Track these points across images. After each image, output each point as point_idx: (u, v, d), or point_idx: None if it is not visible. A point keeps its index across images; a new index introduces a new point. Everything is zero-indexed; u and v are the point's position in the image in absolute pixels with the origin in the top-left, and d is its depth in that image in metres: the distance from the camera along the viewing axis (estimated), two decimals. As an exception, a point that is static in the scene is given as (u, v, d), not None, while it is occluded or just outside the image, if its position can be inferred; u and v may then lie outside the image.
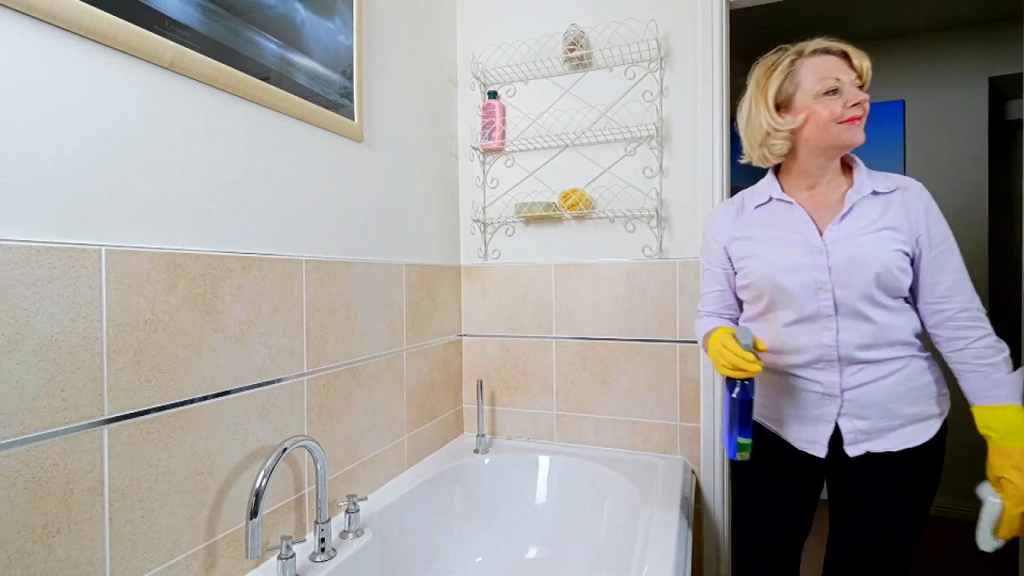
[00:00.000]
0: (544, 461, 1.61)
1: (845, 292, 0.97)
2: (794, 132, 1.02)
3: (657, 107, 1.59)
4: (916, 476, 0.99)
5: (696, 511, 1.55)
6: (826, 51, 1.00)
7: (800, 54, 1.02)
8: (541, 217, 1.71)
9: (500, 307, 1.78)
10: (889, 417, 0.98)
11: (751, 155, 1.11)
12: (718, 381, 1.54)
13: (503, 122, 1.75)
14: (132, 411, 0.79)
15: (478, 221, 1.80)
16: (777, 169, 1.13)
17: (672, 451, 1.60)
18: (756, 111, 1.06)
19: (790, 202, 1.06)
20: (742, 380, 0.94)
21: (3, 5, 0.65)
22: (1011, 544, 2.16)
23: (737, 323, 1.16)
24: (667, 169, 1.59)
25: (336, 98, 1.21)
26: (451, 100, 1.80)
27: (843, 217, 1.00)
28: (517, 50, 1.75)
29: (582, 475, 1.56)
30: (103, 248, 0.75)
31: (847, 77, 0.98)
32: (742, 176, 2.85)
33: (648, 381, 1.62)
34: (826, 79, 0.98)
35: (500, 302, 1.78)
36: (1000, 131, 2.86)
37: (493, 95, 1.74)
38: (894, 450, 0.98)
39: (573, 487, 1.56)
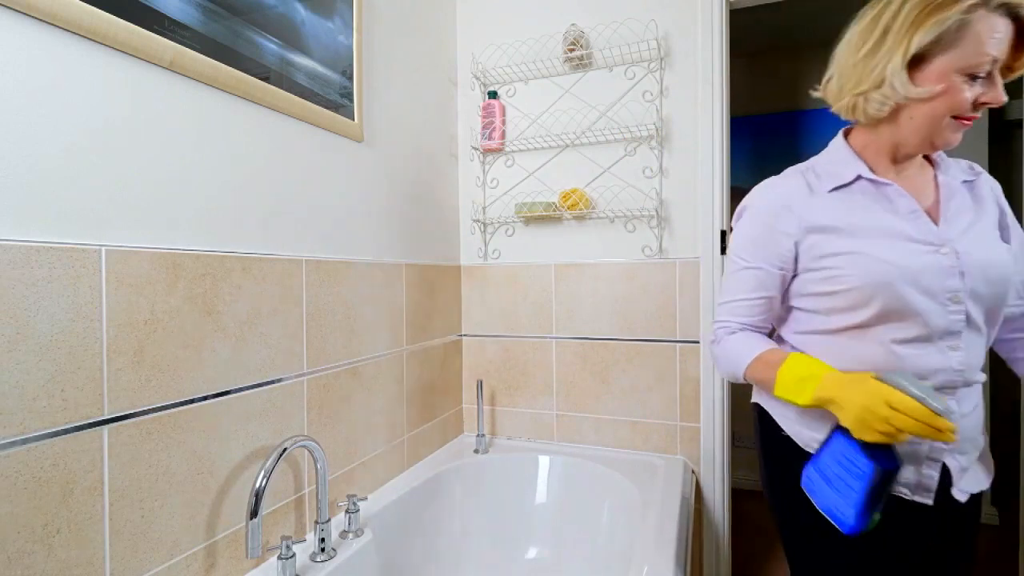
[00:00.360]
0: (544, 461, 1.61)
1: (976, 302, 0.77)
2: (916, 101, 0.77)
3: (657, 107, 1.59)
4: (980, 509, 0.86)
5: (696, 511, 1.55)
6: (1015, 13, 0.73)
7: (986, 3, 0.72)
8: (541, 217, 1.71)
9: (500, 307, 1.78)
10: (976, 448, 0.82)
11: (836, 100, 0.86)
12: (718, 381, 1.54)
13: (503, 122, 1.75)
14: (132, 411, 0.79)
15: (478, 221, 1.80)
16: (847, 132, 0.90)
17: (672, 451, 1.60)
18: (884, 51, 0.77)
19: (888, 184, 0.82)
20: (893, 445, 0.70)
21: (3, 5, 0.65)
22: (1011, 544, 2.17)
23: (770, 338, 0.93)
24: (667, 169, 1.59)
25: (336, 98, 1.21)
26: (451, 100, 1.80)
27: (948, 209, 0.81)
28: (517, 50, 1.75)
29: (582, 475, 1.56)
30: (103, 248, 0.75)
31: (1001, 59, 0.74)
32: (742, 176, 2.86)
33: (648, 381, 1.61)
34: (983, 56, 0.72)
35: (500, 302, 1.78)
36: (1000, 131, 2.86)
37: (493, 95, 1.74)
38: (985, 488, 0.83)
39: (573, 487, 1.56)
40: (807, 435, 0.87)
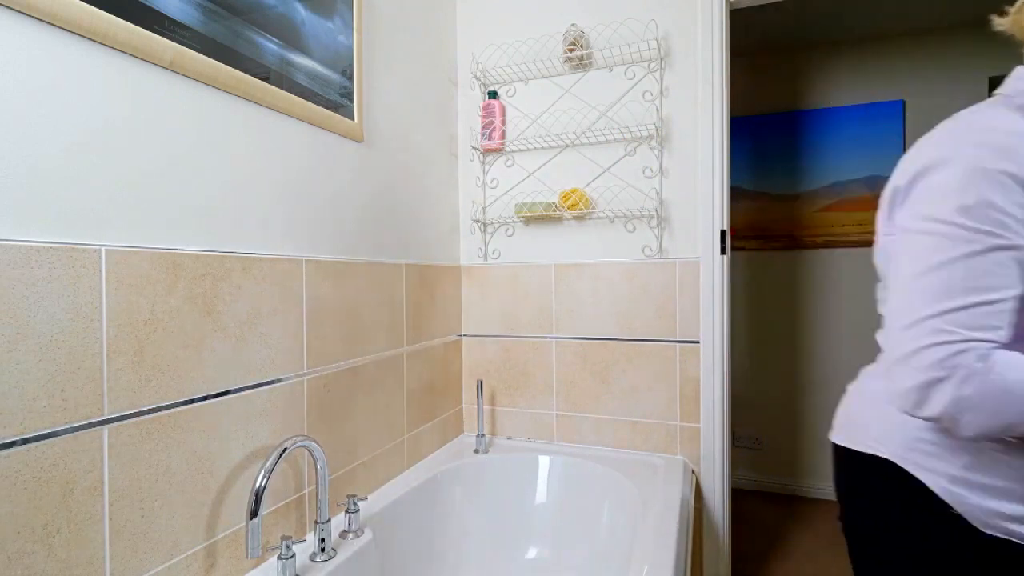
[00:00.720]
0: (544, 461, 1.61)
1: None
2: None
3: (657, 107, 1.59)
4: None
5: (696, 511, 1.55)
6: None
7: None
8: (541, 217, 1.71)
9: (500, 307, 1.78)
10: None
11: None
12: (718, 381, 1.54)
13: (503, 122, 1.75)
14: (132, 411, 0.79)
15: (478, 221, 1.80)
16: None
17: (672, 451, 1.60)
18: None
19: None
20: None
21: (3, 5, 0.65)
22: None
23: None
24: (667, 169, 1.59)
25: (336, 98, 1.21)
26: (451, 100, 1.80)
27: None
28: (517, 50, 1.75)
29: (582, 475, 1.56)
30: (103, 248, 0.75)
31: None
32: (742, 176, 2.86)
33: (648, 381, 1.61)
34: None
35: (500, 302, 1.78)
36: (1000, 131, 2.86)
37: (493, 95, 1.74)
38: None
39: (573, 487, 1.56)
40: (988, 510, 0.63)
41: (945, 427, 0.61)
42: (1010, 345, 0.60)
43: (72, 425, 0.71)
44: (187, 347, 0.87)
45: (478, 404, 1.68)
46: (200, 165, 0.90)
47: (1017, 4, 0.66)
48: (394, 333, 1.44)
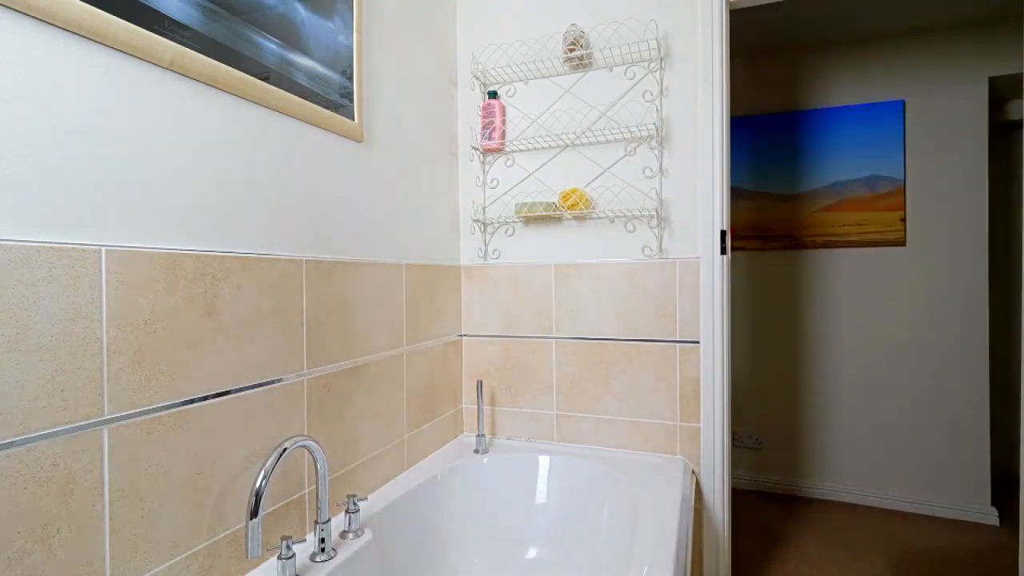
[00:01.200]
0: (544, 461, 1.61)
1: None
2: None
3: (657, 107, 1.59)
4: None
5: (696, 511, 1.55)
6: None
7: None
8: (541, 217, 1.71)
9: (500, 307, 1.78)
10: None
11: None
12: (718, 381, 1.54)
13: (503, 122, 1.75)
14: (132, 411, 0.79)
15: (478, 221, 1.80)
16: None
17: (672, 451, 1.60)
18: None
19: None
20: None
21: (3, 5, 0.65)
22: (1010, 544, 2.16)
23: None
24: (667, 169, 1.59)
25: (336, 98, 1.21)
26: (451, 100, 1.80)
27: None
28: (517, 50, 1.75)
29: (582, 475, 1.56)
30: (103, 248, 0.75)
31: None
32: (742, 176, 2.86)
33: (648, 381, 1.62)
34: None
35: (500, 302, 1.78)
36: (1000, 131, 2.86)
37: (493, 95, 1.74)
38: None
39: (573, 487, 1.56)
40: None
41: None
42: None
43: (72, 425, 0.71)
44: (187, 347, 0.87)
45: (478, 404, 1.68)
46: (200, 165, 0.90)
47: None
48: (394, 333, 1.44)
